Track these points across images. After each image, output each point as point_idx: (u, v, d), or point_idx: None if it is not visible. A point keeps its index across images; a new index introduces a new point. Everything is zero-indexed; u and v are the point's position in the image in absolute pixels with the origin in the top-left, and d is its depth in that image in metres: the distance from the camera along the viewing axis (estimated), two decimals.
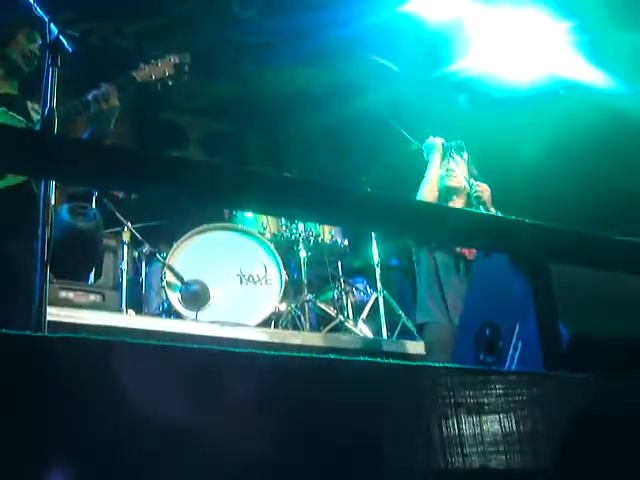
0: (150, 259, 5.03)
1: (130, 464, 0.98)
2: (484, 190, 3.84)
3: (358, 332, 4.96)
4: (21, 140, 1.24)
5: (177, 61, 3.28)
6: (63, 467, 0.95)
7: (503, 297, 1.97)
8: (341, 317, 5.13)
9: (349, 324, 5.09)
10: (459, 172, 3.93)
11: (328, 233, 5.40)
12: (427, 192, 3.90)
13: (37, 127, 3.01)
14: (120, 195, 5.08)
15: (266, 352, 1.11)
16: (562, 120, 5.83)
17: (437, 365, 1.26)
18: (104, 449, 0.97)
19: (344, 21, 6.69)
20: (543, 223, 1.58)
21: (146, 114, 6.73)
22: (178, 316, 4.68)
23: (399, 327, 5.14)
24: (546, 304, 1.51)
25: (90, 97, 3.03)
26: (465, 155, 3.90)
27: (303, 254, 5.24)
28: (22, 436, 0.94)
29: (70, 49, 2.75)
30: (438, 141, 4.05)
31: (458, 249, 3.75)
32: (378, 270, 5.38)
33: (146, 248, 4.99)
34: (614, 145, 5.68)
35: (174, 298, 4.72)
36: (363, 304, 5.40)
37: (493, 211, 3.77)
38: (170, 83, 3.29)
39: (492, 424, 1.19)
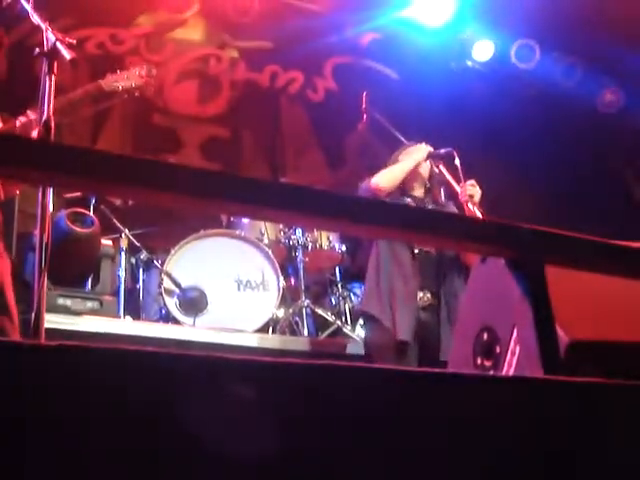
0: (148, 265, 5.04)
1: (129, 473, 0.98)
2: (477, 190, 3.82)
3: (356, 337, 4.96)
4: (19, 148, 1.24)
5: (143, 73, 3.31)
6: (62, 472, 0.95)
7: (501, 301, 1.97)
8: (339, 322, 5.13)
9: (347, 329, 5.10)
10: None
11: (326, 239, 5.40)
12: (388, 180, 3.86)
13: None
14: (118, 202, 5.08)
15: (264, 358, 1.11)
16: None
17: (435, 371, 1.26)
18: (103, 454, 0.97)
19: (340, 26, 6.72)
20: (540, 227, 1.58)
21: (142, 119, 6.73)
22: (176, 322, 4.68)
23: None
24: (544, 308, 1.51)
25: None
26: (457, 162, 3.86)
27: (301, 260, 5.23)
28: (18, 445, 0.94)
29: (68, 57, 2.74)
30: (425, 147, 4.01)
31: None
32: None
33: (144, 254, 5.00)
34: None
35: (172, 304, 4.72)
36: None
37: (480, 211, 3.74)
38: (137, 94, 3.33)
39: (490, 430, 1.20)
